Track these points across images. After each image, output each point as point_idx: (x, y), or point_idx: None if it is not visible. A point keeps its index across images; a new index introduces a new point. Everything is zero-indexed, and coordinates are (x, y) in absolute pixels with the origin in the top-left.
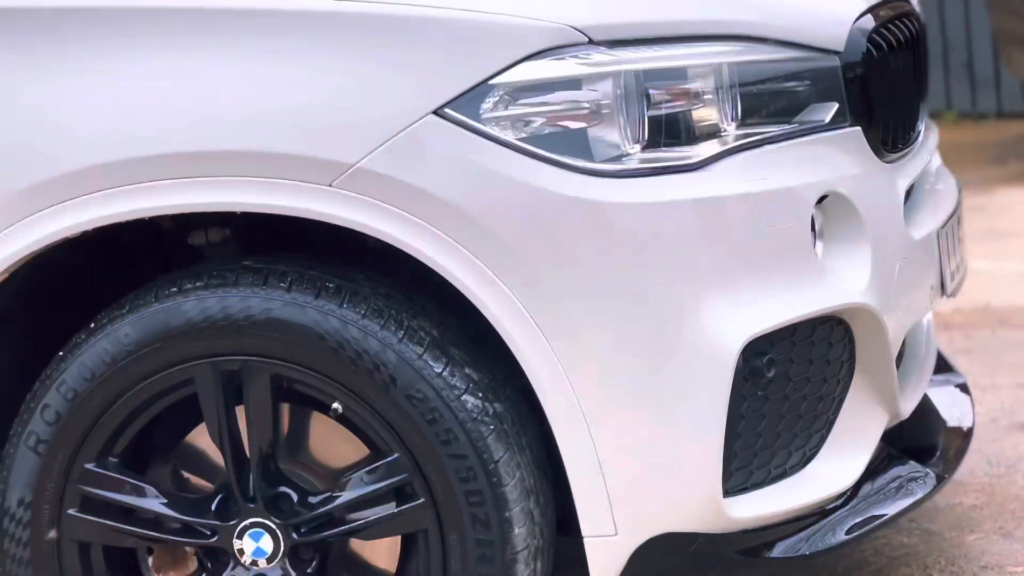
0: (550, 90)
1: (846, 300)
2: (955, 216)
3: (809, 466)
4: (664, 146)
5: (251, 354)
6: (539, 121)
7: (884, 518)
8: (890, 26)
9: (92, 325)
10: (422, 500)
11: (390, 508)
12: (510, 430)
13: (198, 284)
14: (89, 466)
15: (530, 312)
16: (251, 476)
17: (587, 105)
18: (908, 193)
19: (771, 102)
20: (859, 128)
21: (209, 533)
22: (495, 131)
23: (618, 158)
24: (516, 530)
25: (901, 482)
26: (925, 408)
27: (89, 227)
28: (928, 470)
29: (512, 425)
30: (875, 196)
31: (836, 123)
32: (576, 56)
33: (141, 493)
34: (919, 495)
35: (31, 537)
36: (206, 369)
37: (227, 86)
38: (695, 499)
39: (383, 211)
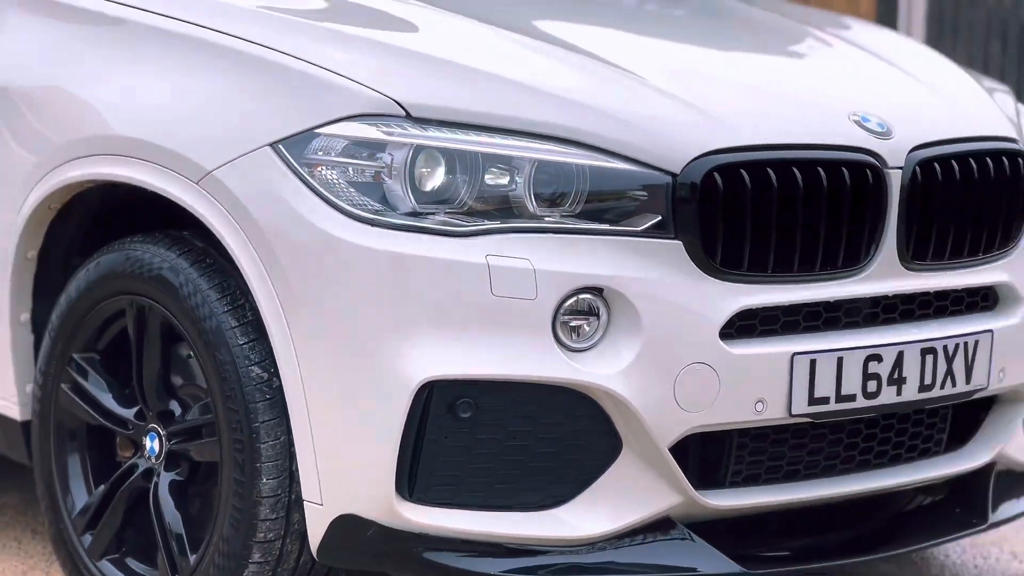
0: (360, 148)
1: (581, 379)
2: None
3: (562, 507)
4: (438, 213)
5: (150, 298)
6: (342, 173)
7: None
8: (781, 169)
9: (90, 258)
10: (215, 437)
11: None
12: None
13: (134, 241)
14: (76, 355)
15: (287, 317)
16: (151, 391)
17: (381, 164)
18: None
19: (575, 201)
20: (680, 242)
21: (131, 428)
22: (307, 174)
23: (396, 212)
24: (264, 479)
25: (658, 553)
26: None
27: (84, 184)
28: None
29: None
30: (671, 302)
31: (652, 233)
32: (386, 124)
33: (100, 387)
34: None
35: (41, 396)
36: (128, 301)
37: (142, 86)
38: (372, 493)
39: (223, 216)
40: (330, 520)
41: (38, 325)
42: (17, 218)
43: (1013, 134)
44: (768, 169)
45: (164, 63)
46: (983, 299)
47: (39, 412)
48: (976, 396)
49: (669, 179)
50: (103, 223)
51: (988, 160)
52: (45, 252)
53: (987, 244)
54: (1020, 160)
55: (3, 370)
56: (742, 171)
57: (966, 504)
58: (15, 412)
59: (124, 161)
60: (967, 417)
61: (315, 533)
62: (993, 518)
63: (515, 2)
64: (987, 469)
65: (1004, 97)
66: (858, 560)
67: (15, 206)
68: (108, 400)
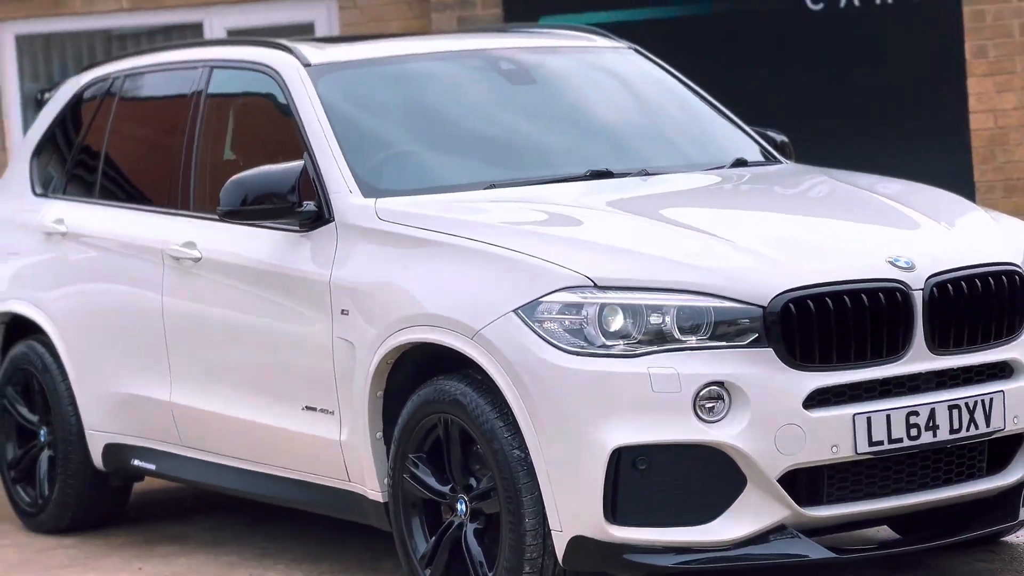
0: (568, 308)
1: (715, 439)
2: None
3: (711, 522)
4: (619, 344)
5: (451, 414)
6: (559, 324)
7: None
8: (836, 298)
9: (414, 392)
10: (496, 498)
11: None
12: None
13: (439, 379)
14: (411, 455)
15: (531, 417)
16: (457, 472)
17: (582, 317)
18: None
19: (705, 330)
20: (771, 349)
21: (447, 498)
22: (538, 327)
23: (593, 345)
24: (527, 519)
25: (778, 548)
26: None
27: (408, 345)
28: (811, 551)
29: None
30: (769, 387)
31: (753, 344)
32: (583, 292)
33: (427, 474)
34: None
35: (392, 484)
36: (439, 418)
37: (435, 281)
38: (591, 521)
39: (488, 358)
40: (567, 540)
41: (387, 439)
42: (368, 371)
43: (1011, 258)
44: (827, 299)
45: (451, 264)
46: (1000, 370)
47: (392, 494)
48: (998, 435)
49: (761, 310)
50: (422, 370)
51: (990, 279)
52: (387, 392)
53: (995, 334)
54: (1016, 277)
55: (369, 472)
56: (808, 302)
57: (1004, 507)
58: (379, 497)
59: (430, 329)
60: (1006, 449)
61: (559, 549)
62: (1022, 516)
63: (645, 197)
64: (1019, 484)
65: (1014, 224)
66: (926, 547)
67: (365, 363)
68: (432, 482)
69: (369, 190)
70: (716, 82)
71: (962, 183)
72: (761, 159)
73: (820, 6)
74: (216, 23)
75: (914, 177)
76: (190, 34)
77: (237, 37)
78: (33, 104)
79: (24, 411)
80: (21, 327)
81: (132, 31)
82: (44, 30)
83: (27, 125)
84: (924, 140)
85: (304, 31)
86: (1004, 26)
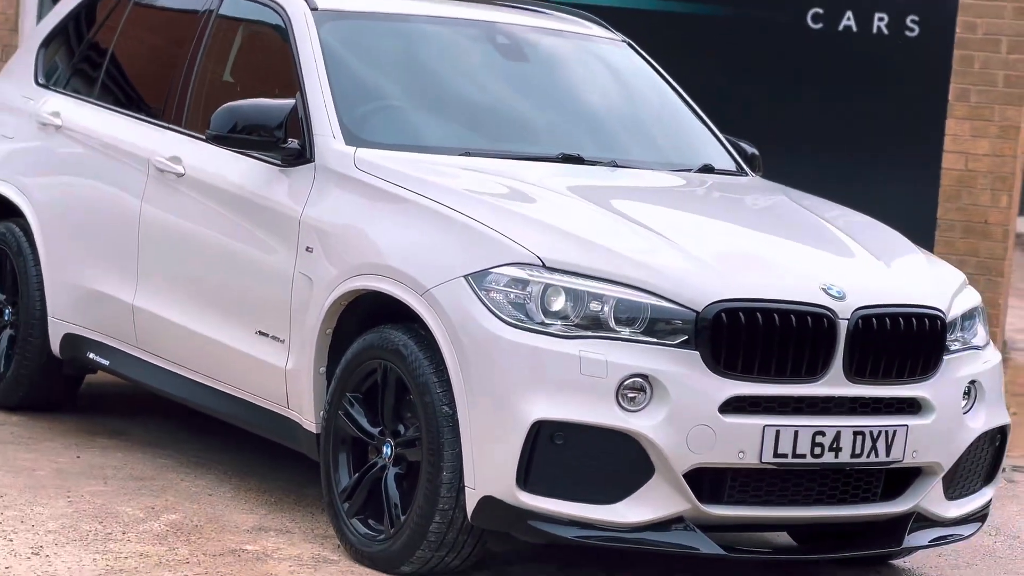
0: (515, 283)
1: (631, 427)
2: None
3: (616, 504)
4: (556, 324)
5: (391, 362)
6: (504, 296)
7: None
8: (766, 314)
9: (360, 336)
10: (419, 447)
11: None
12: None
13: (385, 328)
14: (348, 394)
15: (464, 379)
16: (388, 418)
17: (526, 293)
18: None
19: (639, 324)
20: (698, 352)
21: (375, 440)
22: (484, 296)
23: (532, 321)
24: (444, 472)
25: (673, 537)
26: None
27: (362, 291)
28: (703, 545)
29: None
30: (689, 387)
31: (681, 345)
32: (530, 269)
33: (360, 414)
34: (674, 545)
35: (327, 418)
36: (379, 363)
37: (398, 236)
38: (503, 484)
39: (433, 316)
40: (478, 498)
41: (329, 375)
42: (322, 308)
43: (937, 303)
44: (758, 314)
45: (414, 222)
46: (908, 405)
47: (325, 427)
48: (894, 466)
49: (694, 314)
50: (372, 317)
51: (913, 320)
52: (336, 330)
53: (910, 371)
54: (938, 321)
55: (308, 402)
56: (739, 313)
57: (892, 533)
58: (313, 428)
59: (385, 280)
60: (902, 479)
61: (470, 505)
62: (905, 543)
63: (608, 188)
64: (908, 514)
65: (948, 272)
66: (814, 558)
67: (321, 300)
68: (364, 422)
69: (351, 138)
70: (704, 81)
71: (926, 217)
72: (728, 168)
73: (819, 26)
74: None
75: (880, 203)
76: None
77: None
78: None
79: None
80: (2, 208)
81: None
82: None
83: (43, 10)
84: (897, 170)
85: None
86: (990, 75)
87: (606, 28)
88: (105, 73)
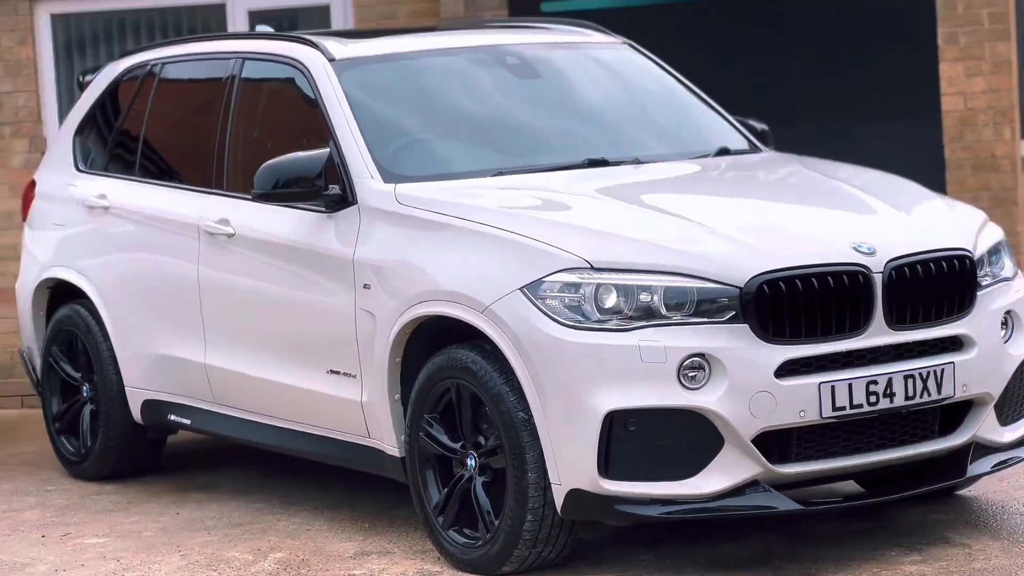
0: (568, 287)
1: (696, 404)
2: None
3: (693, 478)
4: (612, 319)
5: (463, 379)
6: (560, 301)
7: (708, 514)
8: (804, 280)
9: (429, 360)
10: (502, 454)
11: None
12: None
13: (452, 348)
14: (426, 415)
15: (534, 383)
16: (467, 432)
17: (580, 295)
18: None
19: (688, 307)
20: (747, 325)
21: (458, 454)
22: (541, 304)
23: (590, 320)
24: (530, 474)
25: (751, 500)
26: None
27: (424, 318)
28: (780, 503)
29: None
30: (744, 359)
31: (731, 320)
32: (581, 273)
33: (440, 432)
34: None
35: (409, 441)
36: (452, 383)
37: (450, 260)
38: (585, 476)
39: (496, 330)
40: (565, 492)
41: (404, 401)
42: (388, 340)
43: (963, 243)
44: (797, 280)
45: (463, 245)
46: (951, 343)
47: (408, 450)
48: (947, 402)
49: (738, 290)
50: (437, 339)
51: (943, 263)
52: (405, 359)
53: (948, 311)
54: (967, 261)
55: (388, 430)
56: (780, 283)
57: (955, 465)
58: (396, 452)
59: (444, 304)
60: (956, 414)
61: (558, 500)
62: (969, 472)
63: (636, 184)
64: (967, 445)
65: (968, 212)
66: (885, 499)
67: (385, 333)
68: (445, 439)
69: (389, 176)
70: (703, 66)
71: (934, 160)
72: (743, 147)
73: None
74: (238, 5)
75: (889, 155)
76: (213, 15)
77: (267, 32)
78: (76, 86)
79: (68, 368)
80: (65, 292)
81: (160, 11)
82: (77, 10)
83: (61, 101)
84: (900, 121)
85: (320, 13)
86: (974, 15)
87: (605, 33)
88: (142, 150)
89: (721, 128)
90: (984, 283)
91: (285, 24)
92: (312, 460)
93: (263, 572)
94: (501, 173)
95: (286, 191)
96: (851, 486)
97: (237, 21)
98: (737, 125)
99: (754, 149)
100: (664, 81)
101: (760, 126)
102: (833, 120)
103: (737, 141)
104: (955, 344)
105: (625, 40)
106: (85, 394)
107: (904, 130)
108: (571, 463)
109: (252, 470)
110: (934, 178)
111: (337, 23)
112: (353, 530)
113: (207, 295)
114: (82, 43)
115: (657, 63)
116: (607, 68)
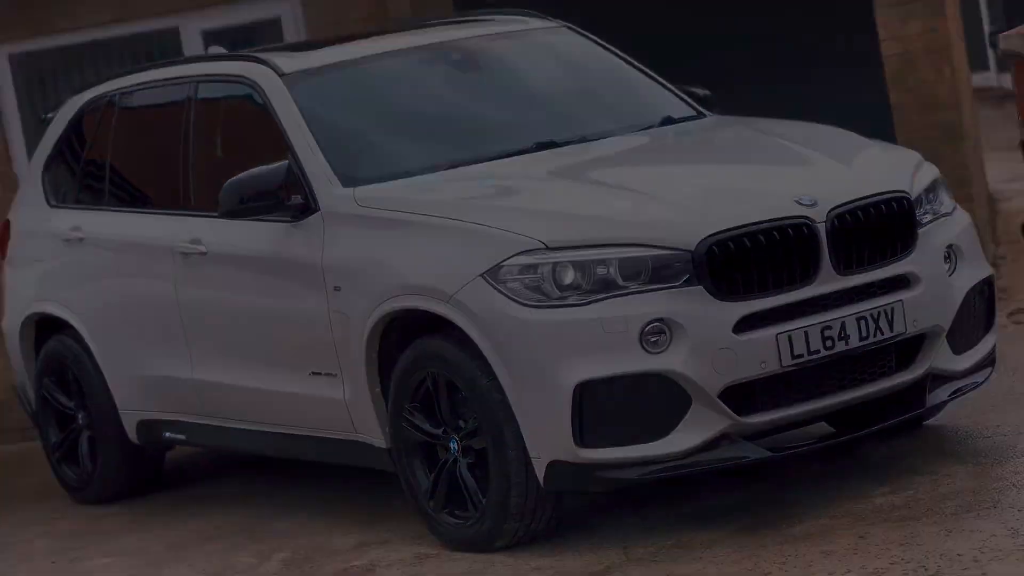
0: (527, 269)
1: (661, 367)
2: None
3: (666, 438)
4: (571, 296)
5: (437, 368)
6: (520, 283)
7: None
8: (751, 237)
9: (404, 353)
10: (482, 435)
11: None
12: None
13: (422, 339)
14: (406, 405)
15: (503, 363)
16: (447, 417)
17: (539, 275)
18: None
19: (644, 276)
20: (701, 287)
21: (440, 439)
22: (502, 288)
23: (551, 299)
24: (510, 451)
25: (724, 452)
26: None
27: (395, 312)
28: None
29: None
30: (702, 319)
31: (685, 284)
32: (537, 254)
33: (422, 420)
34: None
35: (393, 431)
36: (426, 372)
37: (413, 255)
38: (562, 446)
39: (462, 317)
40: (545, 464)
41: (384, 393)
42: (363, 337)
43: (900, 185)
44: (744, 239)
45: (424, 239)
46: (898, 282)
47: (393, 440)
48: (901, 338)
49: (689, 254)
50: (409, 331)
51: (882, 206)
52: (381, 353)
53: (892, 252)
54: (905, 202)
55: (372, 423)
56: (728, 243)
57: (915, 397)
58: (383, 443)
59: (412, 297)
60: (910, 349)
61: (540, 472)
62: (929, 402)
63: (584, 163)
64: (924, 376)
65: (903, 154)
66: (851, 437)
67: (359, 331)
68: (427, 426)
69: (347, 180)
70: (640, 41)
71: (879, 106)
72: (687, 114)
73: None
74: (191, 27)
75: (834, 106)
76: (168, 39)
77: (217, 53)
78: (41, 123)
79: (62, 398)
80: (51, 325)
81: (116, 40)
82: (35, 48)
83: (29, 138)
84: (842, 72)
85: (273, 26)
86: None
87: (543, 18)
88: (110, 179)
89: (664, 98)
90: (924, 221)
91: (240, 40)
92: (306, 461)
93: (271, 572)
94: (455, 166)
95: (251, 206)
96: (822, 428)
97: (192, 42)
98: (680, 93)
99: (699, 115)
100: (604, 58)
101: (702, 92)
102: (779, 77)
103: (681, 109)
104: (902, 282)
105: (563, 23)
106: (81, 421)
107: (848, 79)
108: (547, 436)
109: (250, 477)
110: (881, 123)
111: (289, 35)
112: (352, 523)
113: (187, 313)
114: (42, 79)
115: (596, 41)
116: (549, 52)
